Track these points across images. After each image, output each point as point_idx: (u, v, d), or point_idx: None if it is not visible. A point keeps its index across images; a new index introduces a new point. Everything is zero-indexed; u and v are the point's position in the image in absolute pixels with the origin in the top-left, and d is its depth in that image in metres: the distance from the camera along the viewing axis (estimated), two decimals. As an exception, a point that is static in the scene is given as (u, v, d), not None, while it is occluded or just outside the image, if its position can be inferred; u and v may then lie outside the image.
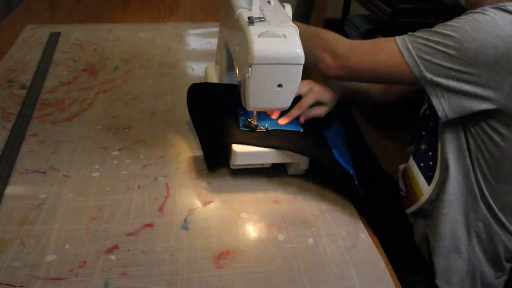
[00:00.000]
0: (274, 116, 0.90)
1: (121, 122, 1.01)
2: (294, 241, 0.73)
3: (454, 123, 0.83)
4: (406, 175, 0.94)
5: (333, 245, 0.73)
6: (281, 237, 0.74)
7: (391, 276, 0.69)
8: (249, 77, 0.78)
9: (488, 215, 0.84)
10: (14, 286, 0.64)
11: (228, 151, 0.85)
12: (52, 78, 1.17)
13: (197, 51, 1.37)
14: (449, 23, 0.78)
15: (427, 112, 0.90)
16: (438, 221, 0.86)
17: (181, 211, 0.78)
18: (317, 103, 0.90)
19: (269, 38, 0.76)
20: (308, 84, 0.90)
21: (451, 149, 0.84)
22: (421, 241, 0.92)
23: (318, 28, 0.94)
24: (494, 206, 0.83)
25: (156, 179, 0.85)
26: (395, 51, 0.81)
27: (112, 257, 0.69)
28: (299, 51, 0.77)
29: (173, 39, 1.43)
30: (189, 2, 1.79)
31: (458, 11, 0.94)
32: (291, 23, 0.81)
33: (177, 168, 0.88)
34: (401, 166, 0.98)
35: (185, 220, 0.76)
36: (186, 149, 0.93)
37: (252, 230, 0.76)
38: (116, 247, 0.71)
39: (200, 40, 1.44)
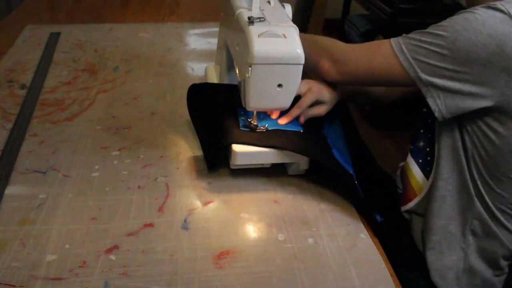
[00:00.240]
0: (274, 116, 0.90)
1: (121, 122, 1.01)
2: (294, 241, 0.73)
3: (450, 121, 0.83)
4: (404, 172, 0.94)
5: (333, 245, 0.73)
6: (281, 237, 0.74)
7: (391, 276, 0.69)
8: (249, 77, 0.78)
9: (484, 213, 0.84)
10: (14, 286, 0.64)
11: (228, 151, 0.85)
12: (52, 78, 1.17)
13: (197, 51, 1.37)
14: (441, 23, 0.79)
15: (424, 110, 0.90)
16: (429, 215, 0.87)
17: (181, 211, 0.78)
18: (317, 103, 0.90)
19: (269, 38, 0.76)
20: (307, 84, 0.90)
21: (445, 146, 0.85)
22: (417, 238, 0.93)
23: (315, 35, 0.95)
24: (490, 204, 0.84)
25: (156, 179, 0.85)
26: (390, 54, 0.81)
27: (112, 257, 0.69)
28: (299, 51, 0.77)
29: (173, 39, 1.43)
30: (189, 2, 1.79)
31: (458, 11, 0.94)
32: (291, 23, 0.81)
33: (177, 168, 0.88)
34: (401, 164, 0.98)
35: (185, 220, 0.76)
36: (186, 149, 0.93)
37: (252, 230, 0.76)
38: (116, 247, 0.71)
39: (200, 40, 1.44)
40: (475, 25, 0.74)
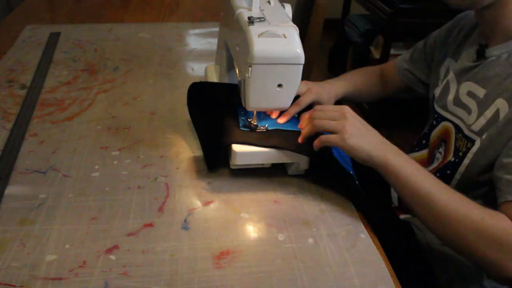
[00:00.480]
0: (273, 116, 0.90)
1: (121, 122, 1.01)
2: (294, 241, 0.73)
3: None
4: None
5: (333, 245, 0.73)
6: (281, 237, 0.74)
7: (391, 276, 0.69)
8: (249, 77, 0.78)
9: None
10: (14, 286, 0.64)
11: (228, 151, 0.85)
12: (52, 78, 1.17)
13: (197, 51, 1.37)
14: None
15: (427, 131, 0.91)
16: None
17: (181, 211, 0.78)
18: (315, 103, 0.91)
19: (269, 38, 0.76)
20: (306, 85, 0.91)
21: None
22: (420, 236, 0.93)
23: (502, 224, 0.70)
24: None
25: (156, 179, 0.85)
26: None
27: (112, 257, 0.69)
28: (299, 51, 0.77)
29: (173, 39, 1.43)
30: (189, 2, 1.79)
31: (457, 11, 0.94)
32: (291, 23, 0.81)
33: (177, 168, 0.88)
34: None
35: (185, 220, 0.76)
36: (186, 149, 0.93)
37: (252, 230, 0.76)
38: (116, 247, 0.71)
39: (200, 40, 1.44)
40: None
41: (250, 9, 0.82)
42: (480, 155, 0.81)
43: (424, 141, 0.99)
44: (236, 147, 0.82)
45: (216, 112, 0.91)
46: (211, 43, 1.40)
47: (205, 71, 1.14)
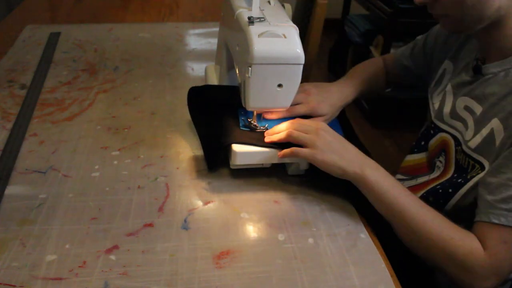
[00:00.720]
0: (268, 117, 0.89)
1: (121, 122, 1.01)
2: (294, 241, 0.73)
3: None
4: None
5: (333, 245, 0.73)
6: (281, 237, 0.74)
7: (391, 276, 0.69)
8: (249, 77, 0.78)
9: None
10: (14, 286, 0.64)
11: (228, 151, 0.85)
12: (52, 78, 1.17)
13: (197, 51, 1.37)
14: None
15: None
16: None
17: (181, 211, 0.78)
18: (310, 116, 0.91)
19: (269, 38, 0.76)
20: (305, 94, 0.92)
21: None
22: None
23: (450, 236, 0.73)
24: None
25: (156, 179, 0.85)
26: None
27: (112, 257, 0.69)
28: (299, 51, 0.77)
29: (173, 39, 1.43)
30: (189, 2, 1.79)
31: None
32: (291, 23, 0.81)
33: (177, 168, 0.88)
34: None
35: (185, 220, 0.76)
36: (186, 149, 0.93)
37: (252, 230, 0.76)
38: (116, 247, 0.71)
39: (200, 40, 1.44)
40: None
41: (250, 9, 0.82)
42: None
43: (423, 143, 0.99)
44: (236, 147, 0.82)
45: (216, 112, 0.91)
46: (211, 43, 1.40)
47: (205, 71, 1.14)
